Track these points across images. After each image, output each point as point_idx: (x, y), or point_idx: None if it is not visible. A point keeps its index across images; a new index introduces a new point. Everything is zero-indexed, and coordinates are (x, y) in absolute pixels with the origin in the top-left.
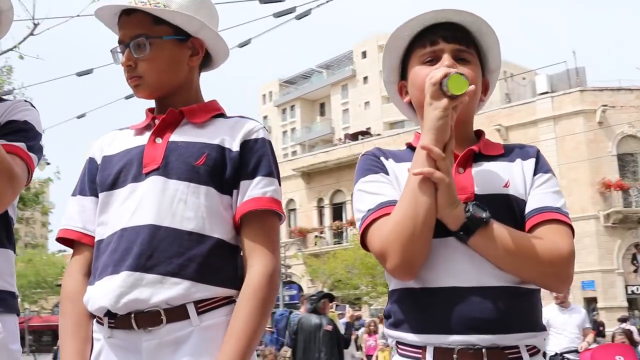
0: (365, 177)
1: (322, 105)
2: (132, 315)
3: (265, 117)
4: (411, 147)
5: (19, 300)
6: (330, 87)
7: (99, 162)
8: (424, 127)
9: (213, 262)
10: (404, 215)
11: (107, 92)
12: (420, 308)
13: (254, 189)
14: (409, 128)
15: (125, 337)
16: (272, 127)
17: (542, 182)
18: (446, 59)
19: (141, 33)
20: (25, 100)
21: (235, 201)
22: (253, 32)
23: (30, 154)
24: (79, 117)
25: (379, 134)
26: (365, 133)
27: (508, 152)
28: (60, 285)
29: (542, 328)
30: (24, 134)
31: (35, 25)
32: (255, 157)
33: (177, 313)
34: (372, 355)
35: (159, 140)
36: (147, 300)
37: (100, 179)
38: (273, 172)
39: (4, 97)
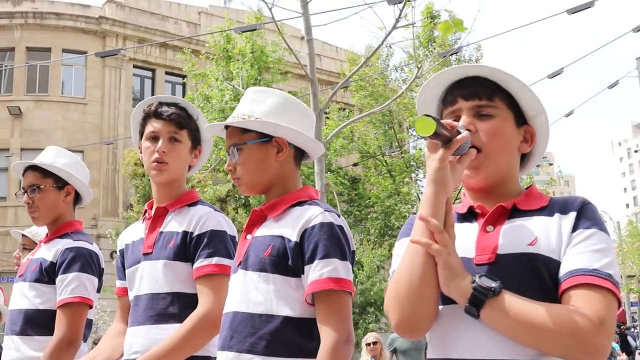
0: (400, 240)
1: None
2: None
3: None
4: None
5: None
6: None
7: None
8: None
9: (283, 337)
10: (401, 271)
11: (583, 88)
12: None
13: (313, 273)
14: None
15: None
16: None
17: (580, 240)
18: (463, 119)
19: (233, 143)
20: (211, 206)
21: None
22: None
23: (222, 261)
24: (567, 115)
25: None
26: None
27: (551, 206)
28: None
29: None
30: (214, 245)
31: None
32: (312, 244)
33: None
34: None
35: (249, 237)
36: None
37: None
38: (330, 253)
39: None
